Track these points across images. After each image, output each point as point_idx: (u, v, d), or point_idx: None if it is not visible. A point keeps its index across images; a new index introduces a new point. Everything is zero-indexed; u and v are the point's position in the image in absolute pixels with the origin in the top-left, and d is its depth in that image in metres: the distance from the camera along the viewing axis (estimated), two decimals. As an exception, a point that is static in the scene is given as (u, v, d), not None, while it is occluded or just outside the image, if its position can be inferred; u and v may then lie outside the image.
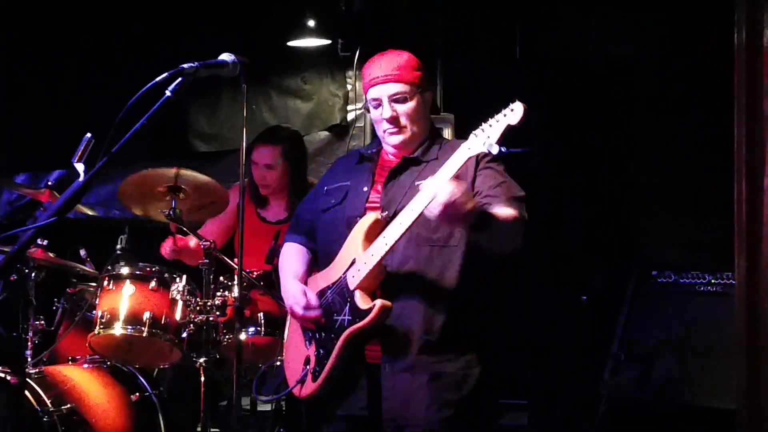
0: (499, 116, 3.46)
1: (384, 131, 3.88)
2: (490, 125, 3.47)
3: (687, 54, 6.30)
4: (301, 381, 3.89)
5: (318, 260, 4.09)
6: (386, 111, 3.82)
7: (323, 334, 3.83)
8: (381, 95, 3.83)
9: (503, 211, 3.62)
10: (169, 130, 7.18)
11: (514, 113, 3.43)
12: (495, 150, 3.42)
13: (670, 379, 5.62)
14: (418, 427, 3.72)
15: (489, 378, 3.87)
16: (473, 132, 3.53)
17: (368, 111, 3.98)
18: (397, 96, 3.83)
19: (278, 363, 5.09)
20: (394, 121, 3.84)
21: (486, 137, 3.45)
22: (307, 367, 3.86)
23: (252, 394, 4.36)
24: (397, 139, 3.87)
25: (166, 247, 5.43)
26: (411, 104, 3.84)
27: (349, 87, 7.22)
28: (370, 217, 3.77)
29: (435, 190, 3.43)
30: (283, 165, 5.64)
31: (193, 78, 3.08)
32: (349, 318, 3.71)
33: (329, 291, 3.83)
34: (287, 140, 5.74)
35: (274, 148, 5.65)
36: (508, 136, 3.43)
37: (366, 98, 3.94)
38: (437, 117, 6.25)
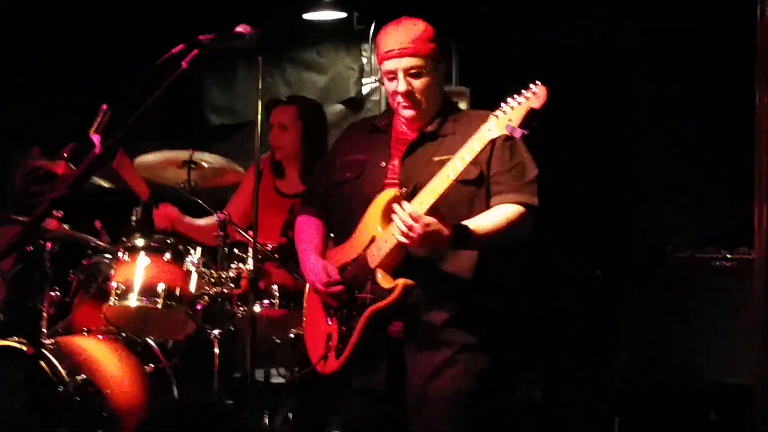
0: (520, 98, 3.42)
1: (398, 104, 3.85)
2: (512, 107, 3.43)
3: (692, 39, 6.25)
4: (324, 358, 3.88)
5: (334, 233, 4.07)
6: (401, 85, 3.79)
7: (345, 312, 3.82)
8: (396, 68, 3.79)
9: (500, 215, 3.68)
10: (184, 102, 7.19)
11: (536, 97, 3.39)
12: (518, 134, 3.40)
13: (685, 354, 5.61)
14: (442, 400, 3.73)
15: (506, 353, 3.88)
16: (493, 113, 3.49)
17: (382, 83, 3.96)
18: (413, 70, 3.78)
19: (291, 336, 5.11)
20: (409, 95, 3.80)
21: (507, 120, 3.42)
22: (330, 343, 3.85)
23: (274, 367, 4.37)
24: (411, 113, 3.84)
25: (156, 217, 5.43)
26: (426, 78, 3.80)
27: (364, 60, 7.20)
28: (388, 193, 3.75)
29: (401, 221, 3.51)
30: (298, 127, 5.63)
31: (208, 50, 3.07)
32: (371, 296, 3.70)
33: (350, 266, 3.82)
34: (305, 104, 5.76)
35: (290, 108, 5.66)
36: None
37: (380, 68, 3.90)
38: (453, 89, 6.23)
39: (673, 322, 5.71)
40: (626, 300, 5.93)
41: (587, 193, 6.50)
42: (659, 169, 6.62)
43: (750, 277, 3.24)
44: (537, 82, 3.42)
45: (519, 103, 3.42)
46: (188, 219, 5.49)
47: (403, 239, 3.54)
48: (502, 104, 3.47)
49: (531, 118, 3.38)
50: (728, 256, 5.75)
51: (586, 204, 6.48)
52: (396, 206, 3.59)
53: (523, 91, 3.43)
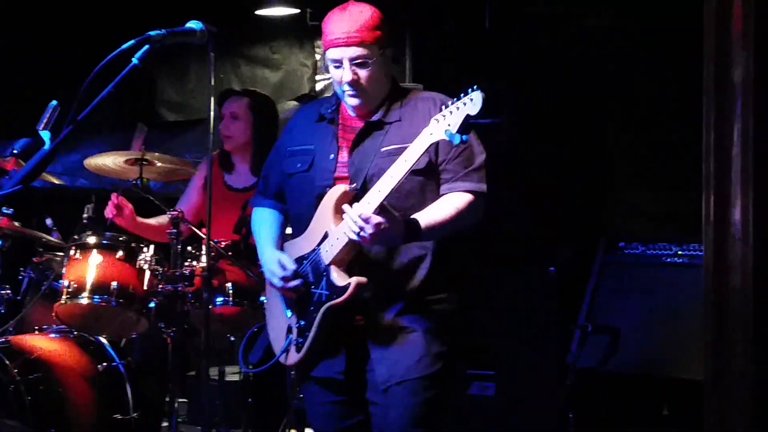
0: (458, 103, 3.45)
1: (344, 92, 3.83)
2: (451, 112, 3.46)
3: (661, 26, 6.29)
4: (286, 350, 3.89)
5: (291, 224, 4.07)
6: (347, 74, 3.76)
7: (302, 306, 3.82)
8: (342, 57, 3.76)
9: (449, 205, 3.71)
10: (137, 98, 7.15)
11: (473, 103, 3.40)
12: (456, 140, 3.44)
13: (638, 350, 5.65)
14: (408, 383, 3.73)
15: (458, 347, 3.90)
16: (434, 117, 3.52)
17: (326, 70, 3.94)
18: (359, 60, 3.75)
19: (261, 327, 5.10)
20: (354, 84, 3.77)
21: (447, 124, 3.45)
22: (291, 336, 3.86)
23: (241, 361, 4.35)
24: (357, 101, 3.82)
25: (108, 210, 5.36)
26: (372, 67, 3.77)
27: (317, 57, 7.20)
28: (338, 190, 3.74)
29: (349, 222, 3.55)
30: (249, 117, 5.62)
31: (159, 46, 3.05)
32: (327, 293, 3.70)
33: (306, 261, 3.82)
34: (257, 97, 5.75)
35: (242, 99, 5.67)
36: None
37: (325, 55, 3.88)
38: (406, 86, 6.22)
39: (627, 318, 5.75)
40: (580, 296, 5.96)
41: (543, 187, 6.54)
42: (621, 157, 6.67)
43: (701, 272, 3.26)
44: (474, 87, 3.43)
45: (457, 108, 3.45)
46: (140, 219, 5.46)
47: (355, 237, 3.55)
48: (443, 107, 3.50)
49: (469, 123, 3.42)
50: (679, 252, 5.79)
51: (542, 197, 6.52)
52: (346, 207, 3.61)
53: (462, 95, 3.45)
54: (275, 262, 3.89)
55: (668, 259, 5.84)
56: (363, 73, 3.76)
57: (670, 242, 5.85)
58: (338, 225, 3.67)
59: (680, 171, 5.89)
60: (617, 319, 5.76)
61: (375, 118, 3.85)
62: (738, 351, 3.10)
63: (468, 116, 3.42)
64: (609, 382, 5.70)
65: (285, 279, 3.84)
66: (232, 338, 5.34)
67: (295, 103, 7.24)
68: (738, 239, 3.07)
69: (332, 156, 3.87)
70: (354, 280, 3.64)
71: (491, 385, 5.87)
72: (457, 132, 3.43)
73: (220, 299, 5.14)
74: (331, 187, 3.79)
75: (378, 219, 3.52)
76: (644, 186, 6.55)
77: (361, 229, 3.52)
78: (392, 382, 3.75)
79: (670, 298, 5.66)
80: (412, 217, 3.65)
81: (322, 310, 3.72)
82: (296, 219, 3.98)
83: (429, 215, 3.67)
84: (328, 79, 7.10)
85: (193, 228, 5.15)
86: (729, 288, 3.09)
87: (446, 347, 3.82)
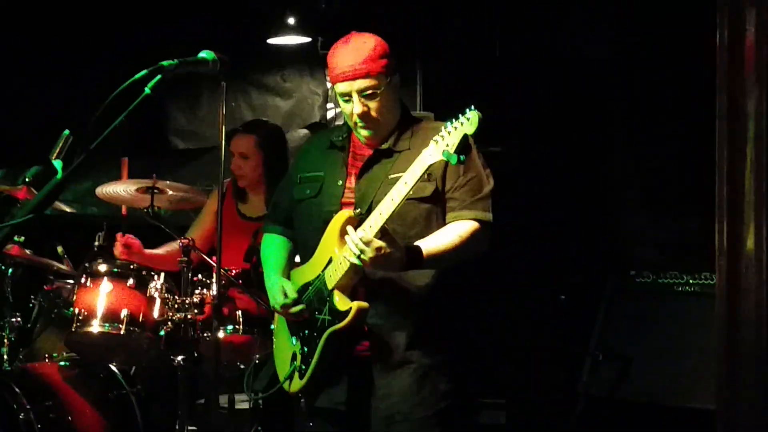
0: (456, 123, 3.44)
1: (355, 123, 3.84)
2: (449, 132, 3.45)
3: (664, 53, 6.30)
4: (290, 378, 3.89)
5: (299, 250, 4.07)
6: (357, 107, 3.76)
7: (306, 332, 3.82)
8: (350, 90, 3.77)
9: (452, 233, 3.69)
10: (149, 127, 7.17)
11: (470, 122, 3.40)
12: (454, 160, 3.43)
13: (648, 378, 5.63)
14: (412, 422, 3.73)
15: (468, 375, 3.90)
16: (433, 138, 3.51)
17: (336, 104, 3.95)
18: (368, 91, 3.75)
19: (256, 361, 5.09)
20: (365, 116, 3.78)
21: (445, 145, 3.45)
22: (294, 363, 3.86)
23: (245, 388, 4.35)
24: (369, 132, 3.84)
25: (116, 247, 5.38)
26: (381, 98, 3.77)
27: (328, 85, 7.20)
28: (343, 215, 3.74)
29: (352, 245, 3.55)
30: (258, 155, 5.62)
31: (171, 75, 3.06)
32: (329, 318, 3.70)
33: (310, 287, 3.82)
34: (264, 131, 5.73)
35: (249, 137, 5.65)
36: (485, 133, 3.42)
37: (333, 89, 3.88)
38: (417, 115, 6.24)
39: (638, 347, 5.73)
40: (591, 324, 5.94)
41: (554, 215, 6.53)
42: (631, 185, 6.66)
43: (712, 301, 3.25)
44: (472, 107, 3.44)
45: (455, 128, 3.44)
46: (148, 251, 5.46)
47: (356, 261, 3.55)
48: (442, 128, 3.49)
49: (467, 144, 3.41)
50: (690, 281, 5.78)
51: (552, 225, 6.51)
52: (349, 228, 3.62)
53: (459, 115, 3.45)
54: (278, 289, 3.89)
55: (679, 288, 5.82)
56: (373, 104, 3.77)
57: (682, 271, 5.83)
58: (341, 250, 3.67)
59: (690, 198, 5.87)
60: (628, 347, 5.75)
61: (384, 146, 3.86)
62: (750, 381, 3.09)
63: (465, 136, 3.41)
64: (619, 411, 5.68)
65: (286, 307, 3.85)
66: (242, 366, 5.33)
67: (305, 131, 7.24)
68: (751, 267, 3.06)
69: (340, 182, 3.88)
70: (355, 304, 3.64)
71: (502, 413, 5.87)
72: (455, 152, 3.42)
73: (229, 327, 5.13)
74: (337, 212, 3.79)
75: (378, 243, 3.52)
76: (654, 212, 6.54)
77: (362, 252, 3.52)
78: (396, 419, 3.74)
79: (681, 326, 5.64)
80: (414, 243, 3.65)
81: (324, 335, 3.72)
82: (303, 245, 3.98)
83: (431, 242, 3.67)
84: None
85: (204, 256, 5.15)
86: (741, 316, 3.08)
87: (453, 384, 3.81)
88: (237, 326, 5.14)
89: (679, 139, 6.29)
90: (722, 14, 3.08)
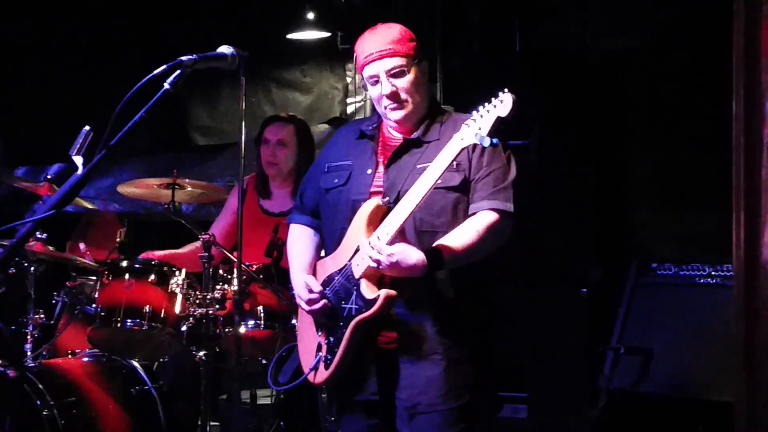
0: (489, 107, 3.46)
1: (385, 107, 3.84)
2: (481, 116, 3.47)
3: (684, 46, 6.28)
4: (315, 368, 3.88)
5: (325, 240, 4.06)
6: (385, 87, 3.78)
7: (332, 322, 3.82)
8: (378, 71, 3.78)
9: (471, 231, 3.69)
10: (169, 122, 7.19)
11: (503, 105, 3.42)
12: (486, 143, 3.43)
13: (670, 371, 5.60)
14: (435, 414, 3.73)
15: (491, 369, 3.89)
16: (465, 122, 3.53)
17: (365, 89, 3.95)
18: (395, 71, 3.77)
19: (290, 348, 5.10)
20: (394, 96, 3.79)
21: (477, 128, 3.45)
22: (320, 353, 3.86)
23: (268, 381, 4.38)
24: (400, 114, 3.83)
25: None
26: (409, 77, 3.79)
27: (348, 80, 7.21)
28: (371, 204, 3.74)
29: (366, 249, 3.59)
30: (296, 144, 5.66)
31: (191, 71, 3.06)
32: (356, 306, 3.70)
33: (337, 276, 3.82)
34: (300, 124, 5.79)
35: (288, 125, 5.69)
36: (506, 128, 3.43)
37: (362, 77, 3.89)
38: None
39: (660, 339, 5.71)
40: (612, 317, 5.93)
41: (575, 209, 6.52)
42: (651, 178, 6.64)
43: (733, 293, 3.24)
44: (505, 90, 3.44)
45: (488, 112, 3.46)
46: (169, 253, 5.49)
47: (375, 265, 3.59)
48: (473, 112, 3.51)
49: (501, 126, 3.41)
50: (712, 273, 5.76)
51: (573, 219, 6.50)
52: (363, 239, 3.64)
53: (492, 98, 3.45)
54: (302, 285, 3.90)
55: (701, 280, 5.79)
56: (401, 83, 3.78)
57: (703, 263, 5.81)
58: (369, 238, 3.67)
59: (709, 190, 5.85)
60: (650, 340, 5.72)
61: (414, 135, 3.86)
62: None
63: (499, 118, 3.42)
64: (641, 404, 5.66)
65: (311, 302, 3.85)
66: (264, 361, 5.34)
67: (326, 126, 7.25)
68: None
69: (369, 171, 3.88)
70: (383, 292, 3.63)
71: (523, 408, 5.86)
72: (488, 135, 3.43)
73: (251, 323, 5.14)
74: (365, 200, 3.80)
75: (389, 249, 3.55)
76: (673, 206, 6.52)
77: (378, 261, 3.57)
78: (419, 410, 3.74)
79: (703, 318, 5.61)
80: (433, 246, 3.65)
81: (351, 324, 3.71)
82: (330, 234, 3.97)
83: (451, 243, 3.66)
84: (360, 102, 7.12)
85: (225, 251, 5.16)
86: (759, 308, 3.06)
87: (477, 377, 3.81)
88: (258, 321, 5.16)
89: (699, 133, 6.27)
90: (738, 3, 3.06)
